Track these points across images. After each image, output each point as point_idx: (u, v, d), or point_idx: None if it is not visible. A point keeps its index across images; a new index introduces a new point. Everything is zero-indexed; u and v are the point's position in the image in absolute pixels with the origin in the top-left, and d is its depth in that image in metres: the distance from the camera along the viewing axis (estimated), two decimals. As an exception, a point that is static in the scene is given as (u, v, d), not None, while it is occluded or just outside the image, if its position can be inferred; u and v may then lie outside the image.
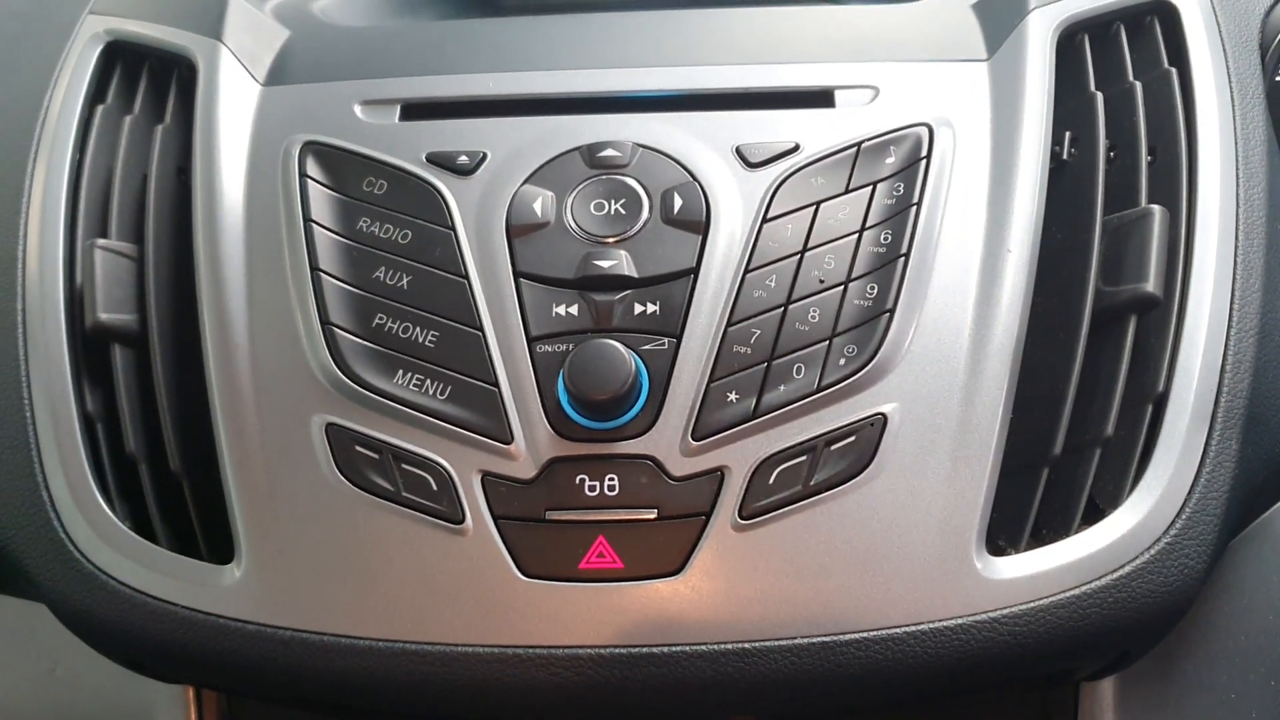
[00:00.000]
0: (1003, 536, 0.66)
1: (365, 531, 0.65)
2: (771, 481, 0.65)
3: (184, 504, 0.69)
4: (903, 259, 0.67)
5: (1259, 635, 0.82)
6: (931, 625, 0.63)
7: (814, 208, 0.69)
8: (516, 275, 0.68)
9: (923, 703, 0.76)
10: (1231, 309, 0.67)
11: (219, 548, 0.68)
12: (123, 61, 0.79)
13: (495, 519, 0.65)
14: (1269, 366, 0.68)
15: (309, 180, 0.71)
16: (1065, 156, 0.72)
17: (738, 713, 0.66)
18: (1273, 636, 0.81)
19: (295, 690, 0.67)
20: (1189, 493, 0.65)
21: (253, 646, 0.65)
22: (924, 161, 0.69)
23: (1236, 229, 0.69)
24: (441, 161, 0.72)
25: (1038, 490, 0.66)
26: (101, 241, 0.71)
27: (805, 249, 0.68)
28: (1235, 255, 0.68)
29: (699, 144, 0.71)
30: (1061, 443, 0.65)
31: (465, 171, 0.71)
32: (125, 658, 0.71)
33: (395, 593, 0.65)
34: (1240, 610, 0.82)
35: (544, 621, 0.64)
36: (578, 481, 0.65)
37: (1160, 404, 0.65)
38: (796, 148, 0.71)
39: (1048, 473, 0.66)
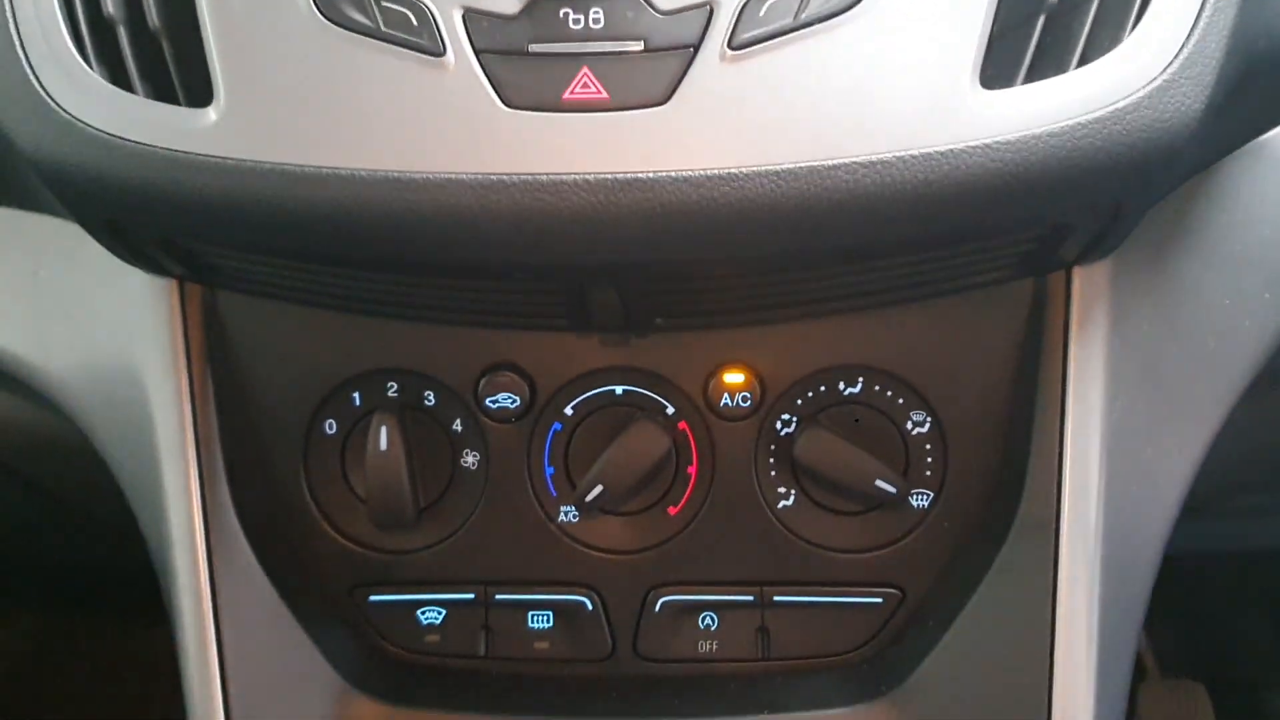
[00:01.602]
0: (998, 77, 0.64)
1: (345, 68, 0.64)
2: (762, 13, 0.63)
3: (163, 64, 0.67)
4: None
5: (1255, 246, 0.81)
6: (923, 151, 0.62)
7: None
8: None
9: (915, 286, 0.75)
10: None
11: (198, 99, 0.67)
12: None
13: (477, 52, 0.63)
14: None
15: None
16: None
17: (720, 245, 0.65)
18: (1268, 247, 0.81)
19: (278, 236, 0.66)
20: (1187, 37, 0.64)
21: (234, 183, 0.64)
22: None
23: None
24: None
25: (1034, 34, 0.64)
26: None
27: None
28: None
29: None
30: None
31: None
32: (105, 217, 0.70)
33: (376, 125, 0.64)
34: (1238, 222, 0.81)
35: (528, 149, 0.63)
36: (562, 15, 0.63)
37: None
38: None
39: (1044, 19, 0.65)
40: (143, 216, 0.69)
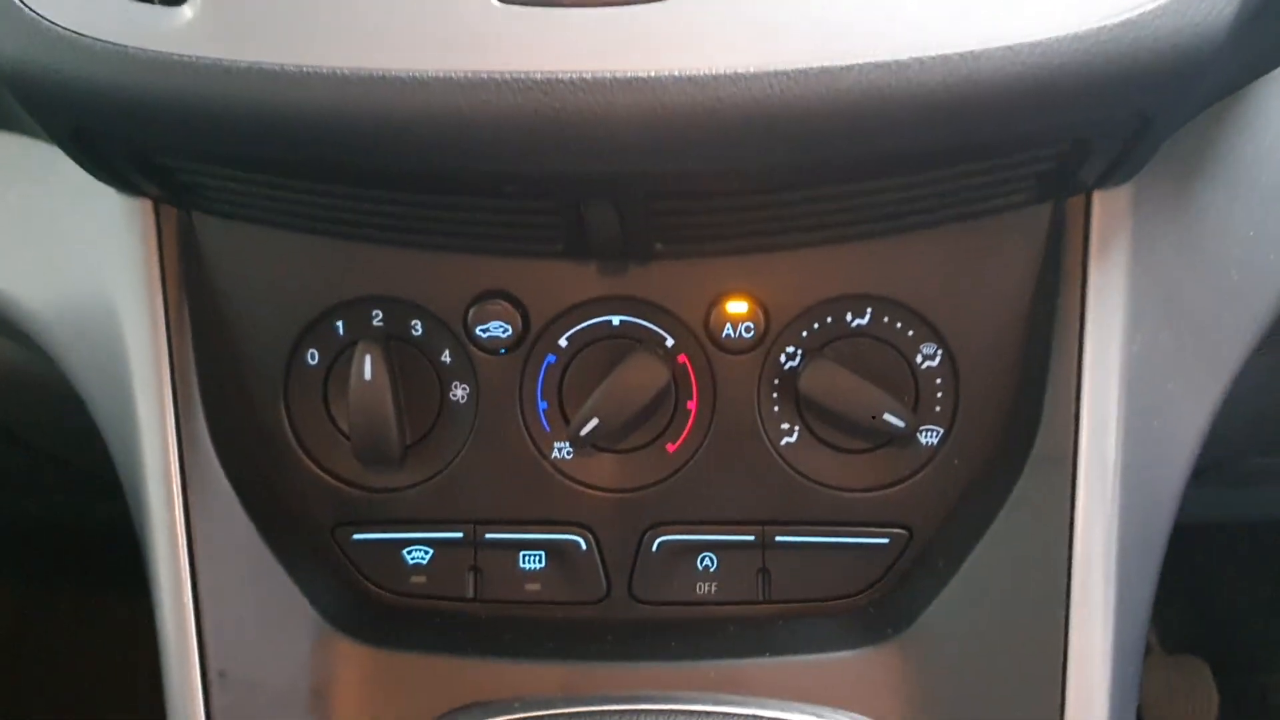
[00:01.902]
0: None
1: None
2: None
3: None
4: None
5: (1281, 174, 0.78)
6: (942, 52, 0.58)
7: None
8: None
9: (928, 210, 0.72)
10: None
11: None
12: None
13: None
14: None
15: None
16: None
17: (725, 153, 0.61)
18: (1299, 178, 0.77)
19: (256, 144, 0.63)
20: None
21: (209, 85, 0.60)
22: None
23: None
24: None
25: None
26: None
27: None
28: None
29: None
30: None
31: None
32: (72, 126, 0.66)
33: (360, 21, 0.60)
34: (1266, 151, 0.78)
35: (522, 46, 0.59)
36: None
37: None
38: None
39: None
40: (112, 124, 0.65)
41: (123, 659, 1.93)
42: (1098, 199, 0.73)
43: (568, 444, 0.79)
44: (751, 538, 0.80)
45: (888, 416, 0.76)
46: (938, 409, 0.78)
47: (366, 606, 0.81)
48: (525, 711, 0.73)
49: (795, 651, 0.77)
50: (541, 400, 0.79)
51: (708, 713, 0.72)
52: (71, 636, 1.98)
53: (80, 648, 1.96)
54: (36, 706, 1.93)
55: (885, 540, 0.80)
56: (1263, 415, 1.02)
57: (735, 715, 0.72)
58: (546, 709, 0.73)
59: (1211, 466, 0.85)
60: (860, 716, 0.74)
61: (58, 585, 1.99)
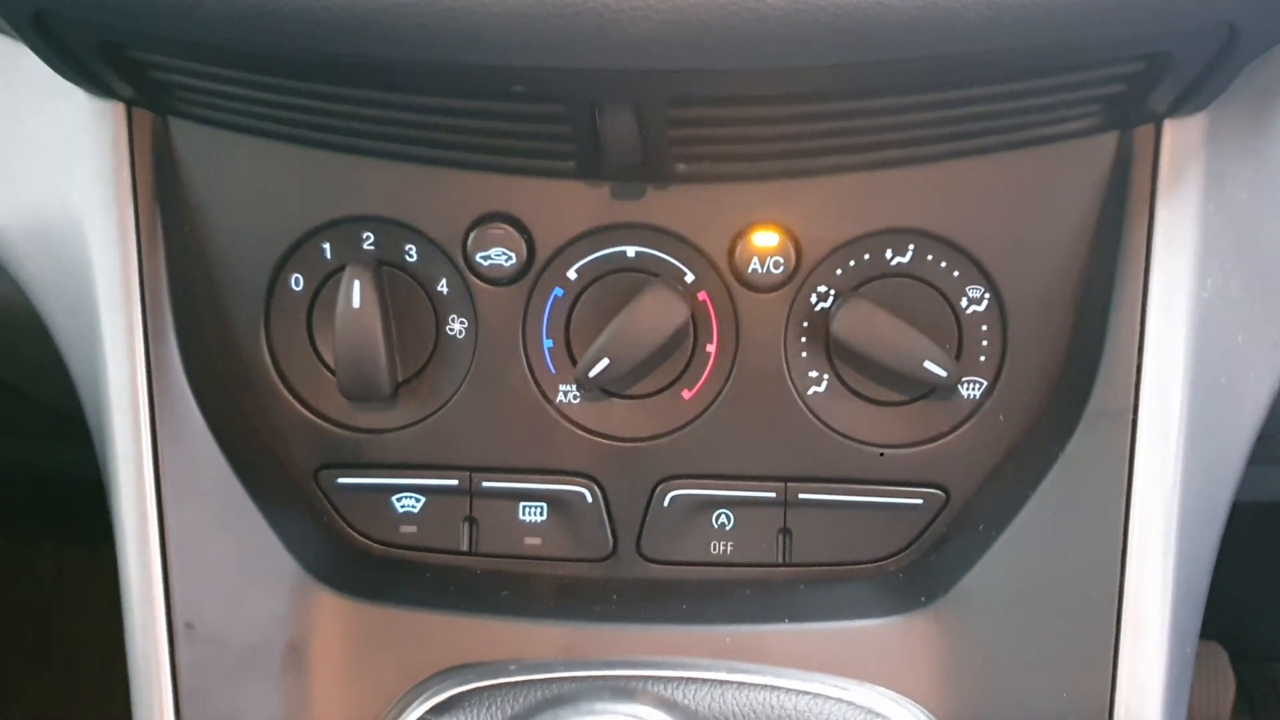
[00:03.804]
0: None
1: None
2: None
3: None
4: None
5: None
6: None
7: None
8: None
9: (982, 134, 0.65)
10: None
11: None
12: None
13: None
14: None
15: None
16: None
17: (760, 49, 0.54)
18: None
19: (231, 28, 0.55)
20: None
21: None
22: None
23: None
24: None
25: None
26: None
27: None
28: None
29: None
30: None
31: None
32: (35, 10, 0.59)
33: None
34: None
35: None
36: None
37: None
38: None
39: None
40: (76, 5, 0.58)
41: (107, 611, 1.88)
42: (1169, 128, 0.66)
43: (574, 387, 0.73)
44: (772, 495, 0.73)
45: (928, 365, 0.69)
46: (983, 359, 0.71)
47: (351, 557, 0.75)
48: (522, 675, 0.66)
49: (818, 618, 0.70)
50: (546, 338, 0.72)
51: (721, 681, 0.65)
52: (52, 590, 1.93)
53: (62, 603, 1.92)
54: (13, 659, 1.89)
55: (919, 501, 0.73)
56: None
57: (751, 685, 0.65)
58: (545, 672, 0.66)
59: (1264, 436, 0.78)
60: (888, 690, 0.68)
61: (39, 536, 1.95)
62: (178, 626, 0.69)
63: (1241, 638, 1.72)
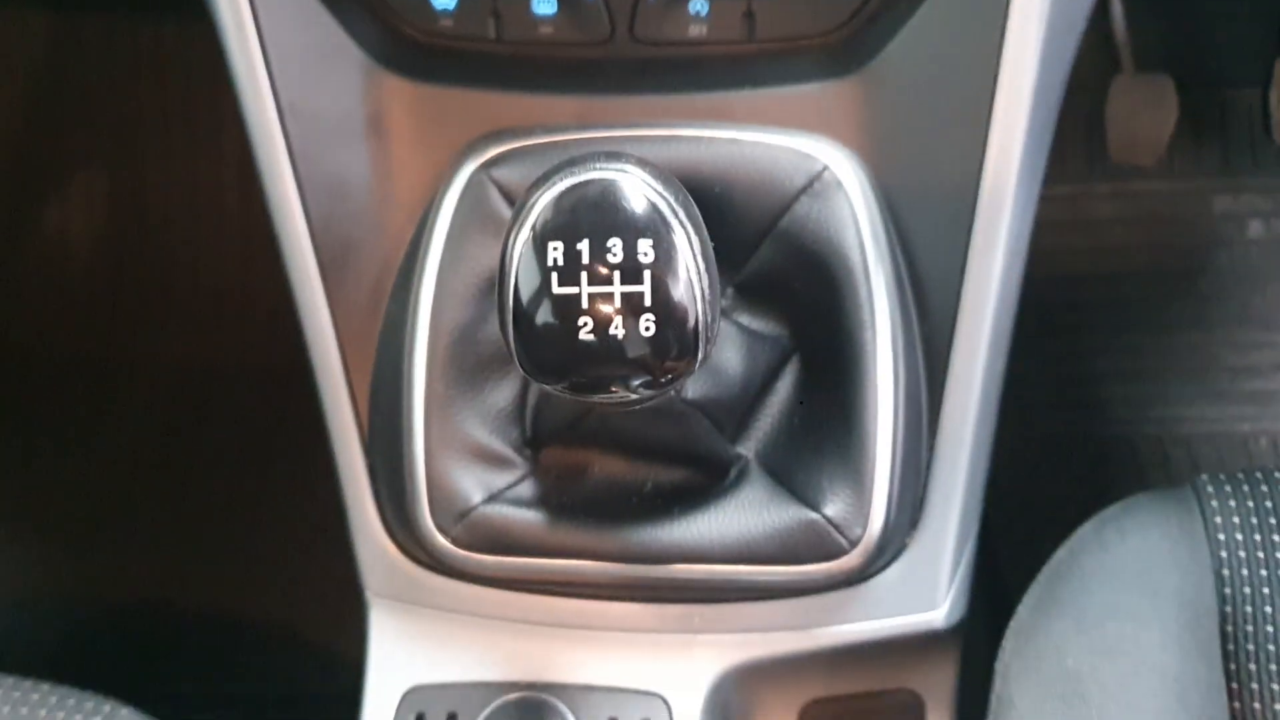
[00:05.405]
0: None
1: None
2: None
3: None
4: None
5: None
6: None
7: None
8: None
9: None
10: None
11: None
12: None
13: None
14: None
15: None
16: None
17: None
18: None
19: None
20: None
21: None
22: None
23: None
24: None
25: None
26: None
27: None
28: None
29: None
30: None
31: None
32: None
33: None
34: None
35: None
36: None
37: None
38: None
39: None
40: None
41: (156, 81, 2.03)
42: None
43: None
44: None
45: None
46: None
47: (404, 44, 0.93)
48: (546, 136, 0.88)
49: (775, 84, 0.90)
50: None
51: (697, 138, 0.87)
52: (105, 70, 2.06)
53: (115, 83, 2.05)
54: (77, 140, 2.05)
55: None
56: None
57: (718, 140, 0.87)
58: (563, 134, 0.88)
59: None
60: (826, 137, 0.89)
61: (87, 10, 2.04)
62: (284, 106, 0.90)
63: (1191, 69, 1.87)
